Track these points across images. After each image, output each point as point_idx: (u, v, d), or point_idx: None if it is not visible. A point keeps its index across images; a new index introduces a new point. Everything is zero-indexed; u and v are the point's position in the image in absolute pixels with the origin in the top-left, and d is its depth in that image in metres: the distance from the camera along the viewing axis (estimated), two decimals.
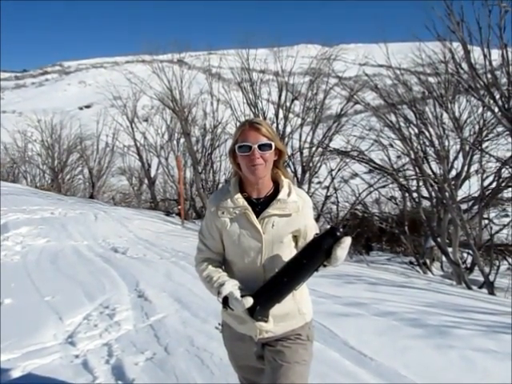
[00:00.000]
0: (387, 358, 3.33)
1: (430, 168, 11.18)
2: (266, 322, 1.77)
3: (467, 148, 10.61)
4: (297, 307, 1.93)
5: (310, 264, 1.74)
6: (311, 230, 1.94)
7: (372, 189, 13.03)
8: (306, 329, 2.00)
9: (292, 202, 1.87)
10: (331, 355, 3.43)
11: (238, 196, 1.88)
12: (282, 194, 1.87)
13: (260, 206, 1.88)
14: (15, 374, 3.31)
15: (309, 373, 1.97)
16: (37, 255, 7.20)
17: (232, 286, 1.78)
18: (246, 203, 1.87)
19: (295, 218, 1.87)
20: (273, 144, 1.83)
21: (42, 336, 3.93)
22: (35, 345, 3.75)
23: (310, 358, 2.00)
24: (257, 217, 1.86)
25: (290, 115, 13.85)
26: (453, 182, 10.30)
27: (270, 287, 1.76)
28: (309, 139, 13.32)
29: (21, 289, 5.36)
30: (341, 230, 1.76)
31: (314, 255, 1.74)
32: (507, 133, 9.16)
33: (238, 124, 1.94)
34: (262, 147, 1.80)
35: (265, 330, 1.88)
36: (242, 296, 1.73)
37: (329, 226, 1.80)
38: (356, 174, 13.96)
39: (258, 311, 1.73)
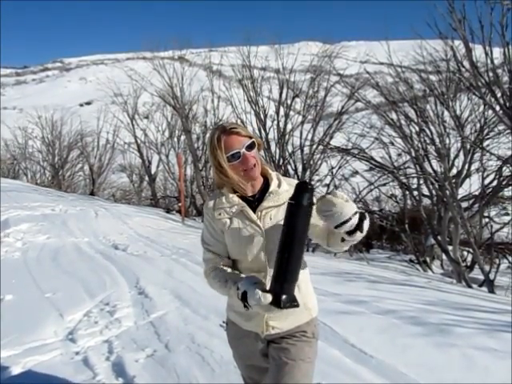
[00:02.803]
0: (387, 356, 3.33)
1: (431, 166, 11.17)
2: (296, 306, 1.71)
3: (468, 146, 10.61)
4: (302, 301, 1.87)
5: (299, 227, 1.68)
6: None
7: (372, 187, 13.03)
8: (312, 326, 1.98)
9: (284, 191, 1.88)
10: (331, 353, 3.43)
11: (233, 195, 1.89)
12: (273, 186, 1.89)
13: (256, 202, 1.90)
14: (16, 370, 3.32)
15: (314, 371, 1.97)
16: (37, 252, 7.21)
17: (250, 281, 1.73)
18: (241, 201, 1.88)
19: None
20: (255, 141, 1.85)
21: (43, 332, 3.93)
22: (36, 341, 3.76)
23: (314, 356, 1.98)
24: (254, 212, 1.88)
25: (291, 113, 13.82)
26: (453, 181, 10.29)
27: (280, 271, 1.70)
28: (309, 137, 13.28)
29: (21, 285, 5.37)
30: (309, 181, 1.71)
31: (296, 218, 1.68)
32: (508, 131, 9.16)
33: (212, 136, 1.85)
34: (248, 148, 1.82)
35: (271, 327, 1.88)
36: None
37: (296, 183, 1.72)
38: (356, 172, 13.95)
39: (285, 300, 1.67)
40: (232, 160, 1.82)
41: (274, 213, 1.87)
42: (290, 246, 1.69)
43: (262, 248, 1.85)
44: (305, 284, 1.95)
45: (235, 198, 1.89)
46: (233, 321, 2.02)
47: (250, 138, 1.84)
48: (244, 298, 1.69)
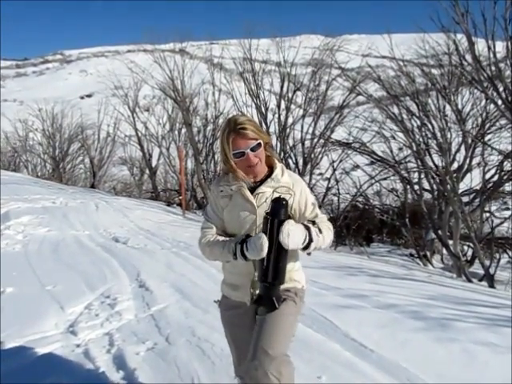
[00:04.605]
0: (388, 351, 3.33)
1: (432, 160, 11.16)
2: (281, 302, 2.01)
3: (469, 141, 10.58)
4: (288, 276, 2.06)
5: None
6: (308, 207, 2.12)
7: (373, 181, 13.02)
8: (295, 289, 2.16)
9: (284, 181, 2.09)
10: (332, 347, 3.43)
11: (236, 177, 2.08)
12: (275, 174, 2.10)
13: (257, 187, 2.10)
14: (16, 362, 3.32)
15: (294, 326, 2.14)
16: (38, 244, 7.21)
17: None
18: (241, 182, 2.07)
19: (287, 195, 2.04)
20: (261, 142, 2.04)
21: (44, 325, 3.93)
22: (36, 334, 3.75)
23: (295, 312, 2.15)
24: (252, 194, 2.08)
25: (292, 106, 13.79)
26: (454, 175, 10.28)
27: (270, 277, 1.94)
28: (310, 130, 13.27)
29: (22, 278, 5.37)
30: (283, 198, 1.94)
31: (271, 230, 1.90)
32: (510, 126, 9.13)
33: (224, 131, 2.05)
34: (253, 149, 2.01)
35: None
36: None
37: (271, 202, 1.95)
38: (357, 166, 13.93)
39: (277, 301, 1.96)
40: (237, 156, 2.02)
41: (270, 196, 2.03)
42: (277, 257, 1.91)
43: (253, 225, 2.04)
44: (292, 262, 2.12)
45: (237, 180, 2.08)
46: (224, 294, 2.25)
47: (257, 139, 2.02)
48: (241, 249, 1.94)
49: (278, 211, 1.89)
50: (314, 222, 2.04)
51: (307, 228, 1.96)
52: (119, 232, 8.39)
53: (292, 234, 1.88)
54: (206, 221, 2.19)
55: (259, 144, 2.02)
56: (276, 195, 1.97)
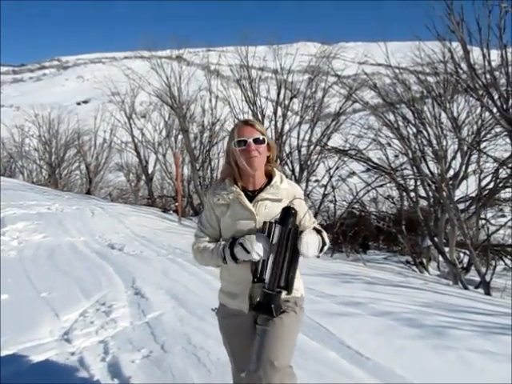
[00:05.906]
0: (384, 358, 3.33)
1: (428, 168, 11.18)
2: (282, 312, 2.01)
3: (465, 148, 10.61)
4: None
5: (288, 247, 1.93)
6: (306, 215, 2.12)
7: (369, 188, 13.02)
8: (294, 298, 2.13)
9: (283, 188, 2.10)
10: (328, 354, 3.42)
11: (233, 184, 2.09)
12: (274, 181, 2.10)
13: (256, 194, 2.09)
14: (10, 370, 3.29)
15: (296, 336, 2.13)
16: (33, 251, 7.19)
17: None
18: (238, 189, 2.07)
19: (286, 203, 2.05)
20: (266, 139, 2.06)
21: (38, 332, 3.91)
22: (31, 341, 3.73)
23: (297, 322, 2.13)
24: (251, 202, 2.07)
25: (289, 113, 13.85)
26: (450, 182, 10.30)
27: (272, 284, 1.94)
28: (307, 137, 13.31)
29: (17, 284, 5.35)
30: (292, 207, 1.97)
31: (285, 239, 1.93)
32: (505, 133, 9.17)
33: (234, 126, 2.14)
34: (256, 141, 2.03)
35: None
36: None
37: (281, 210, 1.98)
38: (354, 173, 13.96)
39: (275, 308, 1.94)
40: (239, 145, 2.03)
41: (270, 205, 2.05)
42: (289, 267, 1.93)
43: (252, 233, 1.99)
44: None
45: (234, 187, 2.08)
46: (222, 303, 2.22)
47: (263, 135, 2.05)
48: (231, 248, 1.96)
49: (287, 220, 1.92)
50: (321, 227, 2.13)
51: (320, 233, 2.06)
52: (115, 238, 8.36)
53: (311, 245, 1.95)
54: (199, 229, 2.21)
55: (263, 140, 2.05)
56: (285, 205, 2.01)
